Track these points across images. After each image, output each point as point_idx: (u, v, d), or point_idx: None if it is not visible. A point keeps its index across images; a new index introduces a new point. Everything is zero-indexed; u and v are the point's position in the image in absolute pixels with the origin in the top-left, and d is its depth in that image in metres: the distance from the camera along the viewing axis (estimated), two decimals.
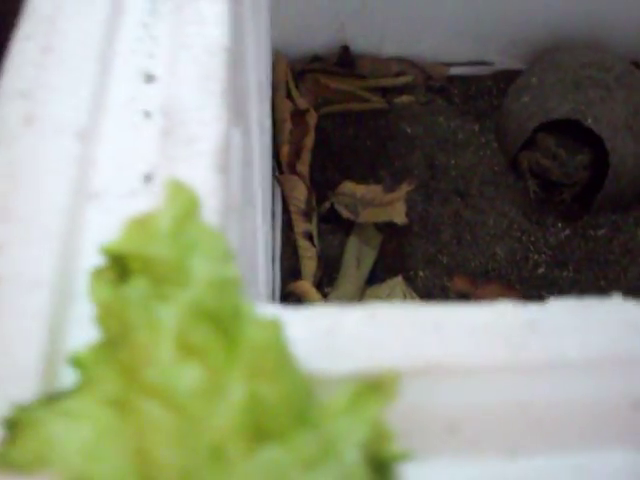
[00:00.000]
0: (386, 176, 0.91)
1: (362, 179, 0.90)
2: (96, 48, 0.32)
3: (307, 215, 0.86)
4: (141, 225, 0.24)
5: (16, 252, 0.26)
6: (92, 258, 0.26)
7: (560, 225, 0.90)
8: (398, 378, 0.23)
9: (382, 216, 0.85)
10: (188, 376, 0.21)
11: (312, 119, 0.91)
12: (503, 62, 0.99)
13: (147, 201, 0.28)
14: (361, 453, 0.21)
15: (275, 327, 0.22)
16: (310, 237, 0.85)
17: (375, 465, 0.22)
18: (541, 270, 0.87)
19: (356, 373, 0.23)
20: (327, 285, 0.83)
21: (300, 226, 0.85)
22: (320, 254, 0.84)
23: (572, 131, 0.87)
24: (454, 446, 0.24)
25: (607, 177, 0.86)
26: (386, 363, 0.23)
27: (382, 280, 0.83)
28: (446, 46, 0.97)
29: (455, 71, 0.99)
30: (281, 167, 0.89)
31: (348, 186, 0.88)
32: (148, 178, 0.28)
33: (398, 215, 0.84)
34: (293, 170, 0.89)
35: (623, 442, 0.24)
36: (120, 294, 0.23)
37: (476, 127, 0.96)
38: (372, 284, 0.83)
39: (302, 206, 0.86)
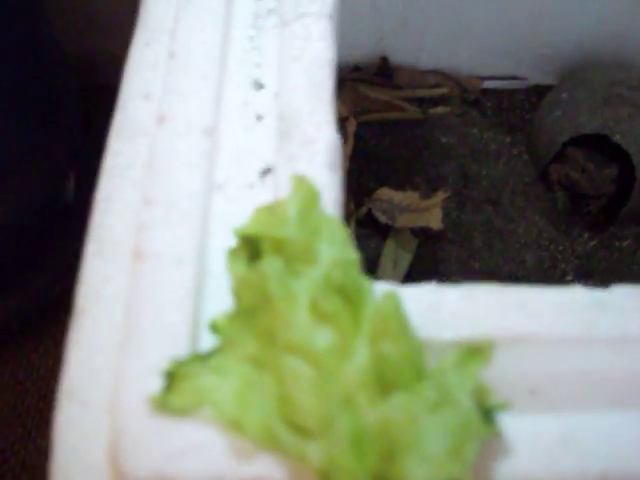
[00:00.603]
0: (421, 184, 0.95)
1: (398, 186, 0.93)
2: (212, 57, 0.36)
3: (345, 220, 0.90)
4: (271, 211, 0.28)
5: (160, 232, 0.30)
6: (220, 240, 0.30)
7: (587, 235, 0.93)
8: (492, 345, 0.27)
9: (419, 221, 0.88)
10: (322, 337, 0.25)
11: (352, 127, 0.95)
12: (535, 77, 1.02)
13: (262, 193, 0.32)
14: (473, 401, 0.25)
15: (394, 297, 0.26)
16: None
17: (481, 413, 0.26)
18: (568, 278, 0.90)
19: (457, 341, 0.27)
20: None
21: None
22: (358, 257, 0.87)
23: (600, 146, 0.90)
24: (534, 405, 0.29)
25: (633, 190, 0.89)
26: (481, 334, 0.28)
27: (416, 283, 0.87)
28: (481, 61, 1.01)
29: (489, 85, 1.03)
30: None
31: (385, 192, 0.92)
32: (264, 173, 0.32)
33: (434, 221, 0.87)
34: None
35: None
36: (257, 269, 0.27)
37: (508, 139, 0.99)
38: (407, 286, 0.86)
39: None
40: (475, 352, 0.26)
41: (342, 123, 0.95)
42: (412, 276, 0.88)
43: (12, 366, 0.80)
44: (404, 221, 0.89)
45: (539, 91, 1.02)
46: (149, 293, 0.29)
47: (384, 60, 1.01)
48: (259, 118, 0.34)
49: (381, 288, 0.28)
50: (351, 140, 0.94)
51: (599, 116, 0.90)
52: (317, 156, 0.32)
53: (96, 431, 0.28)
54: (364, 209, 0.91)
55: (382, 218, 0.89)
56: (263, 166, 0.33)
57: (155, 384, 0.27)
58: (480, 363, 0.26)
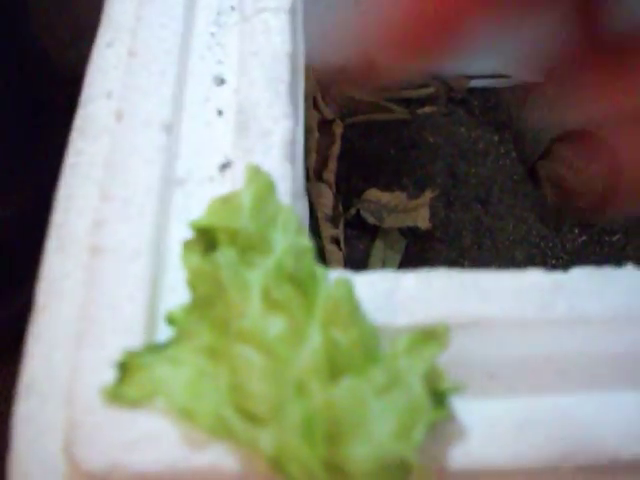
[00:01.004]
0: (409, 184, 0.95)
1: (386, 187, 0.93)
2: (172, 54, 0.36)
3: (334, 221, 0.90)
4: (225, 203, 0.28)
5: (116, 227, 0.31)
6: (179, 233, 0.31)
7: (576, 231, 0.94)
8: (447, 330, 0.27)
9: (407, 221, 0.88)
10: (275, 325, 0.26)
11: (338, 128, 0.95)
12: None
13: (223, 187, 0.32)
14: (424, 384, 0.25)
15: (346, 284, 0.26)
16: (337, 242, 0.89)
17: (433, 396, 0.26)
18: None
19: (413, 327, 0.27)
20: None
21: (327, 231, 0.89)
22: (346, 258, 0.88)
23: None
24: (492, 389, 0.29)
25: (622, 186, 0.89)
26: (437, 318, 0.28)
27: None
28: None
29: (475, 84, 1.03)
30: (308, 174, 0.93)
31: (373, 193, 0.92)
32: (224, 167, 0.33)
33: (422, 220, 0.88)
34: (320, 178, 0.93)
35: (634, 384, 0.29)
36: (211, 261, 0.27)
37: (495, 137, 1.00)
38: None
39: (329, 212, 0.90)
40: (429, 336, 0.26)
41: (329, 125, 0.95)
42: None
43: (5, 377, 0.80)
44: (392, 221, 0.89)
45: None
46: (106, 287, 0.29)
47: (370, 61, 1.01)
48: (220, 113, 0.34)
49: (334, 275, 0.28)
50: (338, 142, 0.95)
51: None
52: (273, 148, 0.32)
53: (53, 424, 0.28)
54: (353, 210, 0.91)
55: (370, 219, 0.89)
56: (223, 160, 0.33)
57: (111, 376, 0.27)
58: (435, 347, 0.26)
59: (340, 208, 0.90)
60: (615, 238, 0.93)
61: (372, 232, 0.89)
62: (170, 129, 0.33)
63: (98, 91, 0.36)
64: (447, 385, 0.26)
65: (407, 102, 1.01)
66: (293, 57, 0.35)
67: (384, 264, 0.87)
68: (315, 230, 0.90)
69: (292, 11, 0.37)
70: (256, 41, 0.35)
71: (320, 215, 0.89)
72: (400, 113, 0.99)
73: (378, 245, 0.88)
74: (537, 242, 0.92)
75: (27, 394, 0.29)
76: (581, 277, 0.29)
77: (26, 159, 0.79)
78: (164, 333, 0.28)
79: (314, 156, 0.93)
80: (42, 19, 0.87)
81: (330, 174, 0.92)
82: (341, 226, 0.89)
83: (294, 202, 0.31)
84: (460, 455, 0.27)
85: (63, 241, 0.31)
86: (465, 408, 0.27)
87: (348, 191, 0.92)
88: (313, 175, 0.92)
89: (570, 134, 0.90)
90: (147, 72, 0.35)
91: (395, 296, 0.29)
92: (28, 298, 0.81)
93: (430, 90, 1.01)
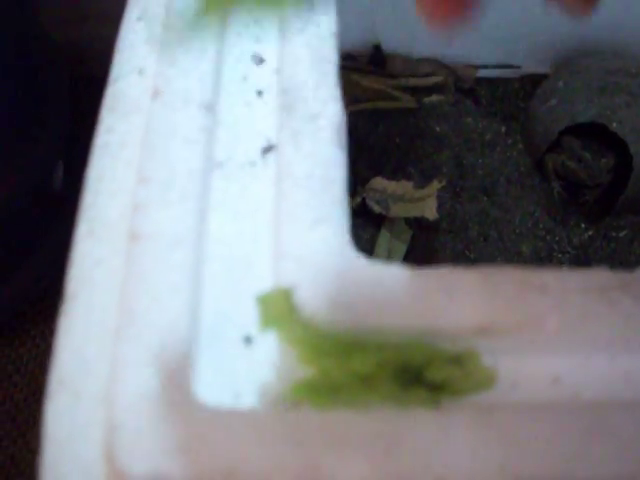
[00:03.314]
0: (415, 173, 0.93)
1: (392, 175, 0.92)
2: (209, 29, 0.34)
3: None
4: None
5: (156, 212, 0.29)
6: (219, 220, 0.29)
7: (583, 226, 0.92)
8: None
9: (413, 211, 0.87)
10: None
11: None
12: (530, 66, 1.01)
13: (264, 172, 0.31)
14: None
15: None
16: None
17: None
18: (563, 269, 0.89)
19: (473, 328, 0.26)
20: None
21: None
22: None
23: (597, 135, 0.89)
24: None
25: (630, 180, 0.88)
26: (498, 319, 0.26)
27: None
28: (475, 49, 1.00)
29: (483, 73, 1.01)
30: None
31: (379, 182, 0.90)
32: (266, 150, 0.31)
33: (429, 210, 0.86)
34: None
35: None
36: None
37: (503, 128, 0.98)
38: None
39: None
40: None
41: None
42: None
43: (0, 360, 0.79)
44: (398, 211, 0.87)
45: (534, 80, 1.01)
46: (145, 276, 0.27)
47: (377, 48, 0.99)
48: (260, 94, 0.33)
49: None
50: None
51: (596, 104, 0.89)
52: (322, 132, 0.30)
53: (89, 424, 0.26)
54: (358, 199, 0.89)
55: (376, 208, 0.88)
56: (265, 143, 0.31)
57: (152, 374, 0.25)
58: None
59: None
60: (622, 234, 0.91)
61: (378, 221, 0.88)
62: (210, 108, 0.31)
63: (129, 67, 0.33)
64: None
65: (414, 90, 0.99)
66: (338, 36, 0.34)
67: (390, 254, 0.85)
68: None
69: None
70: (300, 21, 0.33)
71: None
72: (407, 101, 0.98)
73: (384, 234, 0.87)
74: (543, 235, 0.91)
75: (58, 390, 0.27)
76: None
77: (24, 142, 0.77)
78: (208, 327, 0.27)
79: None
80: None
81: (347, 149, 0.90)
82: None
83: (344, 190, 0.29)
84: None
85: (94, 225, 0.29)
86: None
87: (353, 179, 0.91)
88: None
89: (579, 127, 0.88)
90: (184, 48, 0.33)
91: (454, 295, 0.27)
92: (27, 275, 0.79)
93: (437, 79, 0.99)
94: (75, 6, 0.95)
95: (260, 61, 0.33)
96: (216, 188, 0.30)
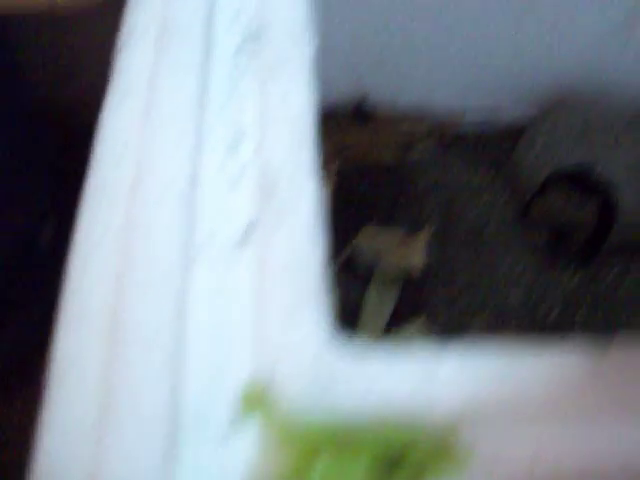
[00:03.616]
0: (402, 225, 0.94)
1: (379, 228, 0.93)
2: (190, 108, 0.35)
3: (327, 264, 0.89)
4: None
5: (136, 306, 0.29)
6: (201, 310, 0.29)
7: (571, 270, 0.93)
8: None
9: (401, 262, 0.88)
10: None
11: (330, 170, 0.94)
12: (515, 114, 1.02)
13: (247, 252, 0.31)
14: None
15: None
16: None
17: None
18: (553, 314, 0.90)
19: (454, 416, 0.26)
20: (347, 331, 0.86)
21: None
22: (339, 301, 0.87)
23: (581, 180, 0.90)
24: None
25: (615, 224, 0.89)
26: (479, 405, 0.26)
27: (402, 323, 0.86)
28: (460, 98, 1.01)
29: (468, 122, 1.02)
30: None
31: (366, 235, 0.91)
32: (248, 231, 0.31)
33: (417, 260, 0.87)
34: None
35: None
36: None
37: (489, 176, 0.99)
38: (392, 327, 0.86)
39: None
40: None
41: (322, 165, 0.95)
42: (397, 318, 0.87)
43: None
44: (386, 263, 0.88)
45: (519, 127, 1.02)
46: (124, 374, 0.28)
47: (362, 101, 1.00)
48: (242, 172, 0.33)
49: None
50: (331, 182, 0.94)
51: (579, 151, 0.90)
52: (300, 216, 0.31)
53: None
54: (347, 250, 0.90)
55: (364, 261, 0.88)
56: (246, 224, 0.32)
57: (131, 469, 0.26)
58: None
59: (332, 250, 0.89)
60: (609, 277, 0.92)
61: (366, 275, 0.88)
62: (189, 196, 0.32)
63: (112, 150, 0.34)
64: None
65: (399, 142, 1.00)
66: (317, 116, 0.34)
67: (379, 307, 0.86)
68: None
69: (313, 62, 0.36)
70: (279, 98, 0.34)
71: None
72: (392, 153, 0.99)
73: (372, 288, 0.87)
74: (532, 282, 0.91)
75: None
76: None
77: (10, 199, 0.78)
78: (188, 422, 0.27)
79: None
80: (30, 53, 0.86)
81: (325, 229, 0.91)
82: (335, 268, 0.89)
83: (323, 273, 0.30)
84: None
85: (75, 315, 0.30)
86: None
87: (341, 232, 0.92)
88: None
89: (563, 173, 0.89)
90: (163, 133, 0.34)
91: (435, 382, 0.27)
92: (9, 336, 0.79)
93: (422, 131, 1.00)
94: (62, 62, 0.96)
95: (242, 136, 0.34)
96: (196, 275, 0.31)
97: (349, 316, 0.87)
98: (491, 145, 1.02)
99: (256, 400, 0.26)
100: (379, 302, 0.87)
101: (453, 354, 0.27)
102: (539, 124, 0.97)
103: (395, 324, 0.86)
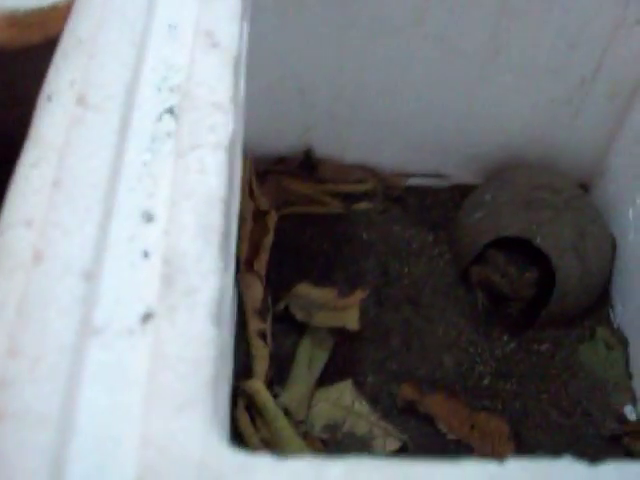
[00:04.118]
0: (341, 279, 0.94)
1: (318, 281, 0.92)
2: (100, 185, 0.34)
3: (262, 314, 0.88)
4: None
5: (23, 389, 0.28)
6: (93, 392, 0.28)
7: (506, 338, 0.93)
8: None
9: (335, 321, 0.87)
10: None
11: (272, 220, 0.94)
12: (460, 176, 1.02)
13: (142, 341, 0.30)
14: None
15: None
16: (264, 336, 0.87)
17: None
18: (485, 381, 0.89)
19: None
20: (278, 385, 0.85)
21: (254, 325, 0.87)
22: (273, 353, 0.86)
23: (522, 249, 0.90)
24: None
25: (552, 295, 0.89)
26: None
27: (332, 382, 0.85)
28: (406, 157, 1.01)
29: (413, 182, 1.03)
30: (239, 264, 0.91)
31: (303, 288, 0.90)
32: (146, 318, 0.30)
33: (351, 321, 0.86)
34: (250, 268, 0.91)
35: None
36: None
37: (430, 237, 0.99)
38: (322, 386, 0.85)
39: (257, 305, 0.88)
40: None
41: (263, 216, 0.94)
42: (327, 376, 0.86)
43: None
44: (321, 319, 0.87)
45: (463, 190, 1.02)
46: (6, 458, 0.27)
47: (308, 152, 1.00)
48: (146, 255, 0.32)
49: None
50: (271, 233, 0.93)
51: (521, 219, 0.90)
52: (198, 308, 0.30)
53: None
54: (282, 304, 0.89)
55: (299, 315, 0.88)
56: (145, 310, 0.31)
57: None
58: None
59: (269, 301, 0.88)
60: (544, 347, 0.92)
61: (300, 328, 0.87)
62: (90, 276, 0.31)
63: (18, 218, 0.33)
64: None
65: (343, 197, 1.00)
66: (227, 200, 0.33)
67: (311, 362, 0.85)
68: (243, 322, 0.88)
69: (230, 147, 0.35)
70: (189, 182, 0.33)
71: (248, 308, 0.88)
72: (335, 207, 0.98)
73: (305, 342, 0.86)
74: (466, 347, 0.91)
75: None
76: (517, 469, 0.28)
77: None
78: None
79: (246, 246, 0.91)
80: None
81: (261, 265, 0.91)
82: (269, 320, 0.88)
83: (218, 368, 0.29)
84: None
85: None
86: None
87: (278, 283, 0.91)
88: (244, 265, 0.90)
89: (504, 240, 0.89)
90: (71, 207, 0.33)
91: None
92: None
93: (367, 186, 1.00)
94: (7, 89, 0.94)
95: (150, 219, 0.33)
96: (91, 358, 0.30)
97: (281, 368, 0.86)
98: (435, 206, 1.02)
99: None
100: (310, 359, 0.87)
101: (341, 465, 0.26)
102: (483, 191, 0.97)
103: (324, 382, 0.86)
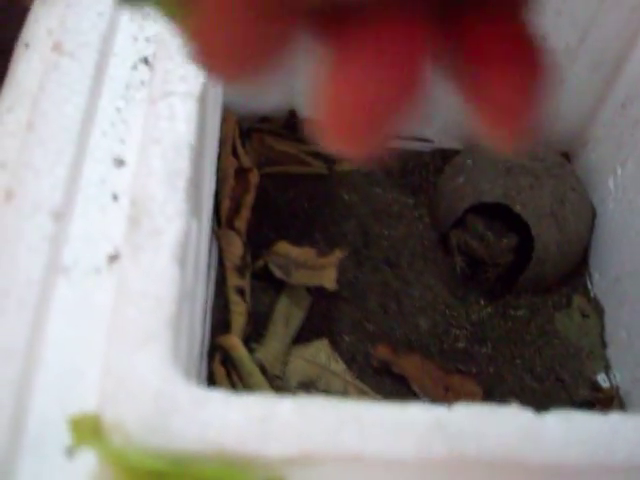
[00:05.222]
0: (320, 240, 0.94)
1: (297, 241, 0.92)
2: (73, 129, 0.34)
3: (241, 271, 0.89)
4: None
5: None
6: (59, 327, 0.29)
7: (482, 303, 0.94)
8: None
9: (313, 279, 0.87)
10: None
11: (254, 178, 0.94)
12: (442, 141, 1.03)
13: (108, 280, 0.31)
14: None
15: None
16: (242, 293, 0.87)
17: None
18: (461, 344, 0.90)
19: (285, 457, 0.26)
20: (255, 341, 0.85)
21: (233, 281, 0.88)
22: (250, 310, 0.86)
23: (501, 215, 0.91)
24: None
25: (530, 261, 0.90)
26: (311, 450, 0.27)
27: (308, 341, 0.86)
28: None
29: (396, 145, 1.03)
30: (220, 221, 0.92)
31: (283, 246, 0.91)
32: (112, 258, 0.31)
33: (328, 280, 0.87)
34: (231, 225, 0.92)
35: None
36: None
37: (411, 201, 0.99)
38: (298, 344, 0.86)
39: (237, 262, 0.89)
40: None
41: (245, 173, 0.94)
42: (304, 334, 0.87)
43: None
44: (299, 278, 0.88)
45: (445, 155, 1.02)
46: None
47: (292, 113, 1.00)
48: (115, 198, 0.33)
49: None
50: (253, 191, 0.94)
51: (501, 185, 0.91)
52: (163, 249, 0.30)
53: None
54: (261, 262, 0.90)
55: (277, 273, 0.88)
56: (112, 251, 0.31)
57: None
58: None
59: (249, 259, 0.89)
60: (520, 312, 0.93)
61: (278, 286, 0.88)
62: (60, 216, 0.31)
63: None
64: None
65: (326, 157, 1.00)
66: (198, 148, 0.34)
67: (287, 320, 0.86)
68: (221, 278, 0.88)
69: (202, 98, 0.35)
70: (159, 128, 0.34)
71: (228, 264, 0.88)
72: (318, 167, 0.99)
73: (283, 300, 0.87)
74: (443, 310, 0.92)
75: None
76: (463, 415, 0.28)
77: None
78: (31, 438, 0.27)
79: (227, 203, 0.91)
80: None
81: (242, 223, 0.91)
82: (248, 277, 0.88)
83: (181, 307, 0.30)
84: None
85: None
86: None
87: (258, 241, 0.91)
88: (225, 222, 0.91)
89: (484, 206, 0.90)
90: (43, 150, 0.33)
91: (269, 423, 0.27)
92: None
93: None
94: None
95: (120, 164, 0.34)
96: (58, 294, 0.30)
97: (258, 325, 0.87)
98: (416, 171, 1.03)
99: (88, 431, 0.26)
100: (287, 317, 0.87)
101: (290, 403, 0.27)
102: (464, 156, 0.97)
103: (301, 340, 0.87)
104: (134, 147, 0.34)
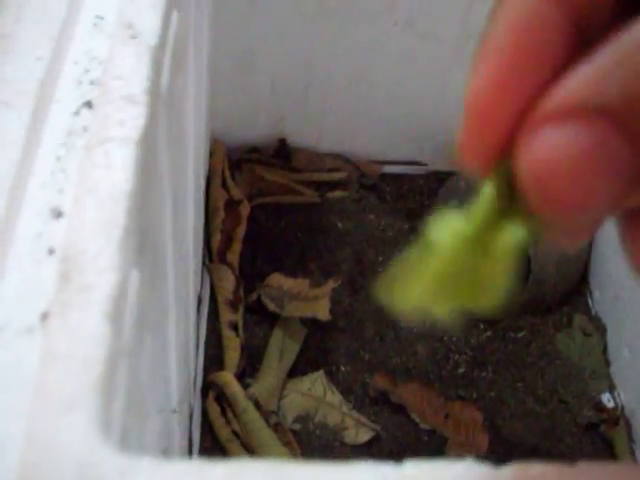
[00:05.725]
0: (315, 269, 0.93)
1: (291, 271, 0.91)
2: (6, 184, 0.33)
3: (234, 305, 0.88)
4: None
5: None
6: None
7: (482, 326, 0.92)
8: None
9: (307, 311, 0.86)
10: None
11: (245, 210, 0.93)
12: (436, 164, 1.02)
13: (41, 340, 0.30)
14: None
15: None
16: (235, 327, 0.86)
17: None
18: (461, 370, 0.89)
19: None
20: (249, 376, 0.84)
21: (226, 316, 0.87)
22: (244, 344, 0.85)
23: None
24: None
25: (528, 282, 0.89)
26: None
27: (304, 373, 0.85)
28: (381, 145, 1.00)
29: (388, 169, 1.02)
30: (211, 255, 0.91)
31: (276, 279, 0.90)
32: (45, 316, 0.30)
33: (322, 311, 0.86)
34: (223, 259, 0.91)
35: None
36: None
37: (406, 226, 0.98)
38: (294, 377, 0.85)
39: (229, 296, 0.88)
40: None
41: (236, 206, 0.93)
42: (299, 367, 0.85)
43: None
44: (293, 310, 0.87)
45: (439, 178, 1.01)
46: None
47: (282, 142, 0.99)
48: (51, 252, 0.32)
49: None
50: (244, 223, 0.93)
51: None
52: (93, 306, 0.29)
53: None
54: (254, 295, 0.89)
55: (271, 306, 0.87)
56: (45, 309, 0.30)
57: None
58: None
59: (241, 292, 0.88)
60: (520, 334, 0.92)
61: (272, 319, 0.87)
62: None
63: None
64: None
65: (317, 185, 0.99)
66: (139, 195, 0.33)
67: (282, 354, 0.85)
68: (214, 313, 0.87)
69: (145, 141, 0.34)
70: (93, 176, 0.33)
71: (220, 299, 0.87)
72: (310, 196, 0.98)
73: (277, 333, 0.86)
74: (441, 336, 0.90)
75: None
76: (413, 471, 0.27)
77: None
78: None
79: (218, 236, 0.90)
80: None
81: (234, 256, 0.90)
82: (241, 311, 0.87)
83: (114, 365, 0.28)
84: None
85: None
86: None
87: (252, 274, 0.90)
88: (216, 256, 0.90)
89: None
90: None
91: None
92: None
93: (341, 174, 0.99)
94: None
95: (59, 215, 0.33)
96: None
97: (253, 359, 0.86)
98: (411, 195, 1.02)
99: None
100: (282, 350, 0.86)
101: (223, 468, 0.26)
102: (458, 178, 0.96)
103: (297, 373, 0.85)
104: (71, 200, 0.33)
